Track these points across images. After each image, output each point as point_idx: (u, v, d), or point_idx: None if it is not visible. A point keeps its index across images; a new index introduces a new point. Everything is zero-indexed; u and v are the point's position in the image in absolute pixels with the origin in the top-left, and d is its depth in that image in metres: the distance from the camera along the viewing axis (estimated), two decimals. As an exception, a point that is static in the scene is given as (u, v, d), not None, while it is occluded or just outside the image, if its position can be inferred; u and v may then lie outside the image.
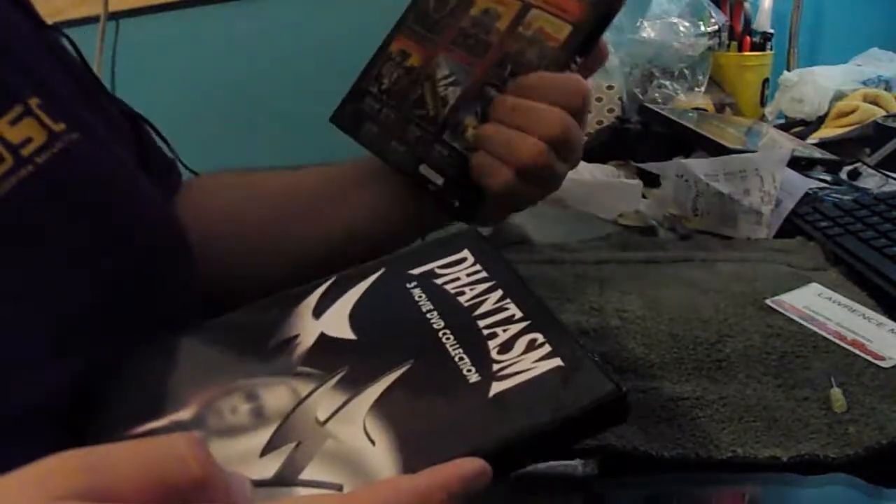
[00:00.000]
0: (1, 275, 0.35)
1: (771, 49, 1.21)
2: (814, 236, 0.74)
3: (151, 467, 0.23)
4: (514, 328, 0.34)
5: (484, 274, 0.38)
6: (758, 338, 0.55)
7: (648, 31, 1.15)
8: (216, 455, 0.27)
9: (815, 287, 0.63)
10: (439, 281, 0.38)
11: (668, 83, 1.17)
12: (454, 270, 0.39)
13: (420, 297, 0.37)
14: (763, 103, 1.21)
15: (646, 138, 1.02)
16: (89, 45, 1.31)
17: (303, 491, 0.29)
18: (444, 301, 0.37)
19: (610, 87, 1.14)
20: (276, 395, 0.33)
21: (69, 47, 0.48)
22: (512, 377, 0.32)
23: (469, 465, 0.27)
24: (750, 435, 0.46)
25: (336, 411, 0.32)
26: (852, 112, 1.06)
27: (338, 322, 0.37)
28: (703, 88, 1.17)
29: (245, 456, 0.31)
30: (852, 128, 1.03)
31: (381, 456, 0.30)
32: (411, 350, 0.34)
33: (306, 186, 0.59)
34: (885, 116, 1.01)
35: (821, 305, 0.59)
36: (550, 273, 0.68)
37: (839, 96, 1.12)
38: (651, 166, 0.86)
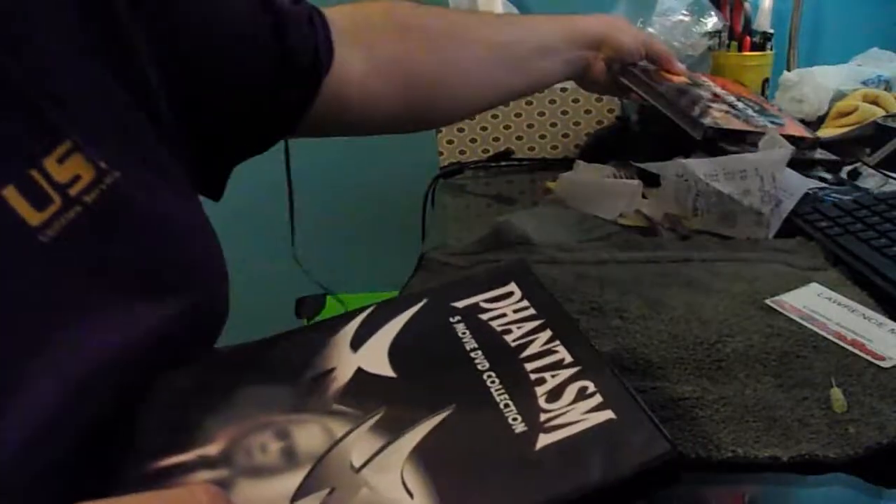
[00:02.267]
0: (44, 317, 0.34)
1: (771, 49, 1.21)
2: (814, 236, 0.74)
3: None
4: (564, 374, 0.32)
5: (532, 311, 0.36)
6: (758, 338, 0.55)
7: (650, 31, 1.15)
8: (243, 497, 0.27)
9: (815, 287, 0.63)
10: (484, 316, 0.36)
11: (668, 83, 1.17)
12: (500, 305, 0.36)
13: (464, 333, 0.35)
14: (763, 103, 1.21)
15: (646, 138, 1.02)
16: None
17: None
18: (490, 339, 0.34)
19: (610, 87, 1.15)
20: (310, 435, 0.32)
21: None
22: (560, 429, 0.30)
23: None
24: (750, 435, 0.46)
25: (372, 457, 0.30)
26: (852, 112, 1.06)
27: (376, 357, 0.35)
28: (702, 88, 1.18)
29: (274, 500, 0.29)
30: (852, 128, 1.03)
31: None
32: (453, 393, 0.32)
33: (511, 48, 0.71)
34: (885, 116, 1.01)
35: (821, 305, 0.60)
36: (550, 273, 0.68)
37: (839, 96, 1.12)
38: (651, 166, 0.86)
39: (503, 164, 1.14)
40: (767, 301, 0.60)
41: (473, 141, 1.17)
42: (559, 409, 0.30)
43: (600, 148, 1.06)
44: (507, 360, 0.33)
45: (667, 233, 0.80)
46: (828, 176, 0.92)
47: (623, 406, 0.30)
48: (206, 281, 0.42)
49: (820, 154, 0.95)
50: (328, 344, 0.36)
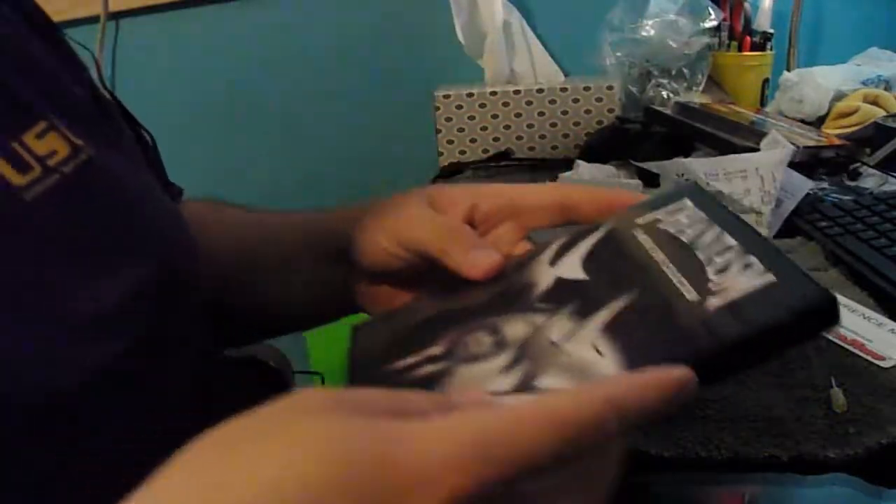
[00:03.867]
0: (19, 273, 0.35)
1: (771, 49, 1.21)
2: (814, 236, 0.74)
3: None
4: (730, 254, 0.36)
5: (703, 216, 0.40)
6: (758, 338, 0.55)
7: (647, 30, 1.15)
8: (461, 377, 0.35)
9: (815, 287, 0.63)
10: (662, 226, 0.41)
11: (665, 82, 1.17)
12: (676, 217, 0.41)
13: (645, 239, 0.40)
14: (763, 103, 1.21)
15: (646, 138, 1.02)
16: (89, 46, 1.31)
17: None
18: (667, 240, 0.39)
19: (610, 88, 1.15)
20: (515, 327, 0.37)
21: (80, 58, 0.49)
22: (728, 292, 0.34)
23: (662, 376, 0.28)
24: (750, 435, 0.46)
25: (567, 334, 0.35)
26: (853, 113, 1.06)
27: (571, 267, 0.40)
28: (701, 87, 1.18)
29: (487, 375, 0.34)
30: (854, 129, 1.03)
31: (608, 364, 0.32)
32: (636, 281, 0.37)
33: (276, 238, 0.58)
34: (885, 116, 1.01)
35: (821, 305, 0.59)
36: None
37: (839, 96, 1.12)
38: (651, 166, 0.86)
39: (503, 164, 1.14)
40: (767, 301, 0.60)
41: (473, 141, 1.17)
42: (727, 279, 0.35)
43: (600, 148, 1.06)
44: (680, 251, 0.38)
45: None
46: (828, 176, 0.92)
47: (783, 270, 0.34)
48: (179, 245, 0.45)
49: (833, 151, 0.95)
50: (528, 266, 0.42)
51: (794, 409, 0.48)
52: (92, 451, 0.27)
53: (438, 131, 1.17)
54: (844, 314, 0.58)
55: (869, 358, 0.52)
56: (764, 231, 0.77)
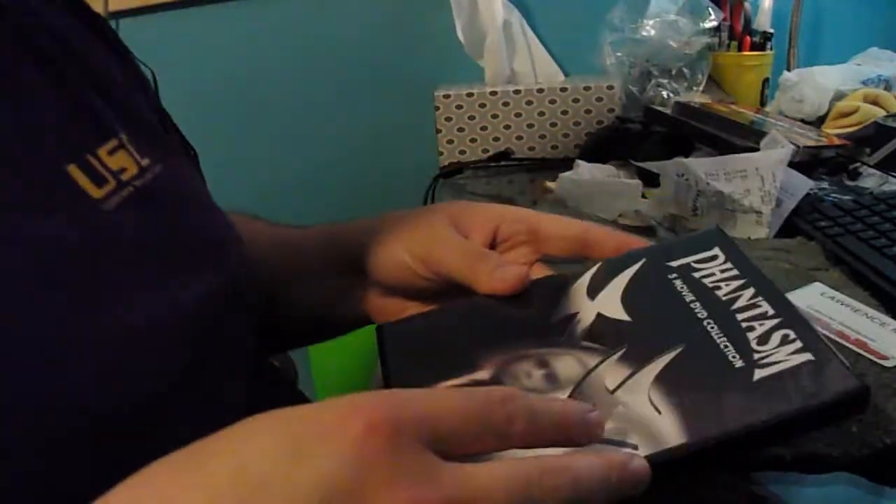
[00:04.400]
0: (100, 282, 0.35)
1: (771, 49, 1.21)
2: (814, 236, 0.74)
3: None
4: (769, 323, 0.37)
5: (735, 272, 0.41)
6: (760, 337, 0.55)
7: (648, 30, 1.15)
8: None
9: (817, 286, 0.63)
10: (696, 275, 0.41)
11: (665, 82, 1.17)
12: (708, 266, 0.42)
13: (682, 287, 0.41)
14: (763, 103, 1.21)
15: (646, 138, 1.02)
16: (89, 45, 1.31)
17: (603, 448, 0.32)
18: (704, 293, 0.40)
19: (610, 88, 1.15)
20: (567, 365, 0.37)
21: (149, 78, 0.50)
22: (771, 366, 0.35)
23: (622, 459, 0.29)
24: (753, 434, 0.46)
25: (622, 382, 0.35)
26: (853, 112, 1.06)
27: (612, 303, 0.41)
28: (701, 87, 1.18)
29: None
30: (854, 129, 1.03)
31: (668, 424, 0.33)
32: (681, 334, 0.37)
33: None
34: (885, 116, 1.01)
35: (824, 305, 0.60)
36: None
37: (839, 96, 1.12)
38: (651, 166, 0.86)
39: (503, 164, 1.14)
40: (769, 300, 0.60)
41: (473, 141, 1.17)
42: (768, 350, 0.36)
43: (600, 148, 1.06)
44: (721, 310, 0.39)
45: (667, 233, 0.80)
46: (828, 176, 0.92)
47: (820, 350, 0.35)
48: (239, 255, 0.45)
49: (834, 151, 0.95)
50: (566, 293, 0.42)
51: (796, 408, 0.48)
52: (149, 456, 0.27)
53: (438, 131, 1.17)
54: (847, 313, 0.58)
55: (872, 357, 0.52)
56: (764, 231, 0.77)
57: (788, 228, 0.78)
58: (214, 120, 1.38)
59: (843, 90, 1.13)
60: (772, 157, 0.79)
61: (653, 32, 1.15)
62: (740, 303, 0.39)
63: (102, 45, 0.45)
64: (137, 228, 0.38)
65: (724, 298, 0.39)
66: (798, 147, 0.87)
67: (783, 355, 0.35)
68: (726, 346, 0.36)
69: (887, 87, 1.15)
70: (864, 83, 1.15)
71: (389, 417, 0.26)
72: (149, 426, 0.35)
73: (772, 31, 1.21)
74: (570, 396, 0.35)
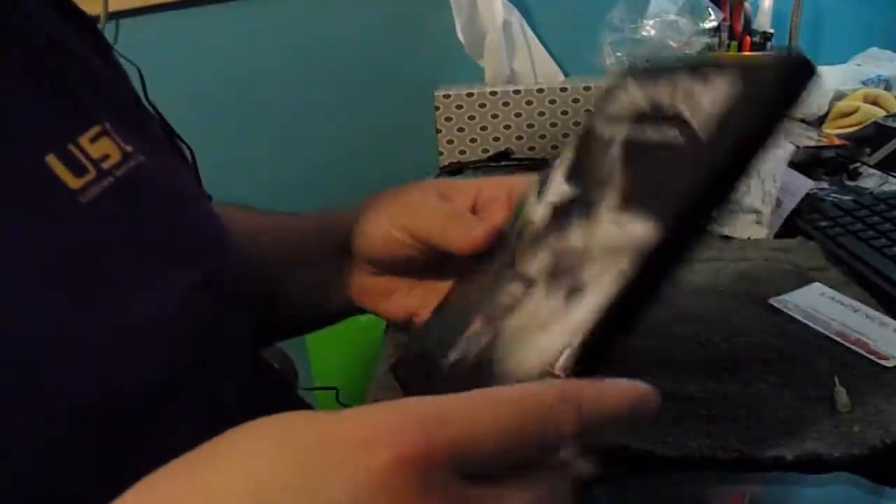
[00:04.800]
0: (76, 275, 0.35)
1: (771, 49, 1.21)
2: (814, 236, 0.74)
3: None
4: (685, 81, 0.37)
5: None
6: (761, 337, 0.55)
7: (648, 30, 1.15)
8: (511, 332, 0.34)
9: (817, 287, 0.63)
10: (613, 108, 0.43)
11: (667, 83, 1.17)
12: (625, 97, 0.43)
13: (603, 131, 0.41)
14: (763, 103, 1.21)
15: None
16: (89, 45, 1.31)
17: None
18: (627, 119, 0.40)
19: (610, 87, 1.14)
20: (536, 262, 0.37)
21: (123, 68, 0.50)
22: (711, 106, 0.33)
23: (625, 385, 0.28)
24: (754, 435, 0.46)
25: (588, 232, 0.35)
26: (853, 113, 1.06)
27: (558, 190, 0.41)
28: (702, 88, 1.17)
29: (533, 312, 0.34)
30: (854, 129, 1.03)
31: (639, 227, 0.32)
32: (617, 162, 0.38)
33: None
34: (885, 116, 1.01)
35: (824, 305, 0.60)
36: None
37: (839, 96, 1.12)
38: (652, 166, 0.86)
39: (503, 164, 1.14)
40: (771, 301, 0.60)
41: (473, 141, 1.17)
42: (701, 101, 0.34)
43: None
44: (644, 120, 0.38)
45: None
46: (828, 176, 0.92)
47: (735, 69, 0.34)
48: (225, 249, 0.45)
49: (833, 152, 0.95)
50: (521, 216, 0.43)
51: (798, 409, 0.48)
52: (149, 455, 0.27)
53: (438, 131, 1.17)
54: (847, 313, 0.58)
55: (872, 357, 0.52)
56: (764, 231, 0.77)
57: (788, 228, 0.78)
58: (214, 120, 1.37)
59: (843, 90, 1.13)
60: (771, 158, 0.79)
61: (653, 32, 1.15)
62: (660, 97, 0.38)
63: (87, 40, 0.45)
64: (114, 222, 0.37)
65: (645, 109, 0.39)
66: (798, 147, 0.87)
67: (713, 94, 0.34)
68: (663, 133, 0.35)
69: (887, 87, 1.15)
70: (864, 83, 1.15)
71: (420, 445, 0.23)
72: (148, 426, 0.35)
73: (772, 31, 1.20)
74: (548, 279, 0.35)
